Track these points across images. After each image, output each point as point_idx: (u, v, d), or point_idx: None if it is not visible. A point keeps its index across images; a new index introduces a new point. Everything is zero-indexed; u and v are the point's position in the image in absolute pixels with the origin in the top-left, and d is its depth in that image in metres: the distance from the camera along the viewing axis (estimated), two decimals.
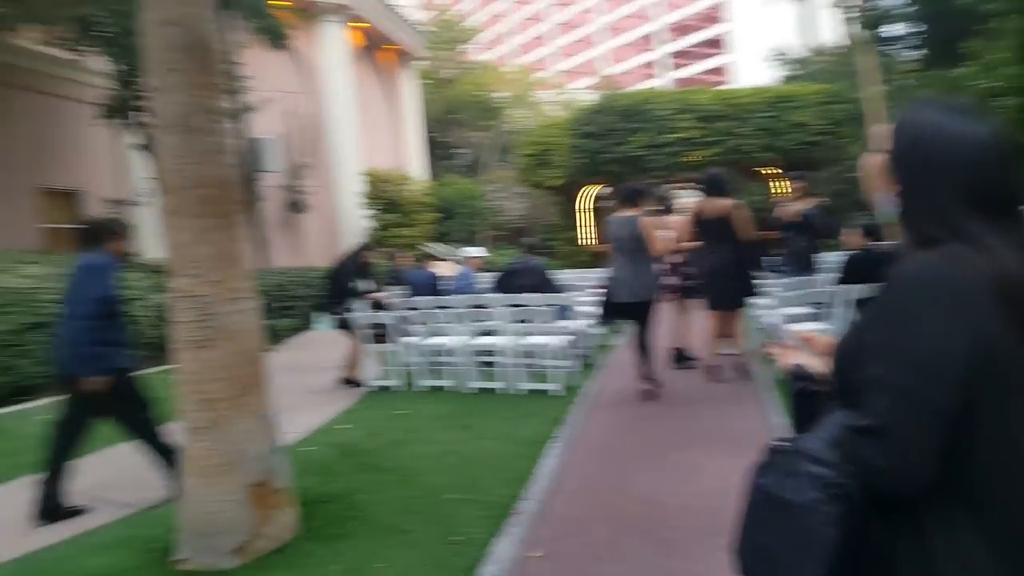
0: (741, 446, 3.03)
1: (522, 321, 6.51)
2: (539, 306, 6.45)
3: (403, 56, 22.79)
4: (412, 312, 6.89)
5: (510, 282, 7.48)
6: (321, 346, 8.95)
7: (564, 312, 7.27)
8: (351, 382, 7.02)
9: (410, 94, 23.67)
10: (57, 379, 4.01)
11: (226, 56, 10.95)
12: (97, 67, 11.70)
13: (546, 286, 7.35)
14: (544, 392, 6.24)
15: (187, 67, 3.17)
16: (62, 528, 3.82)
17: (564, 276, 8.74)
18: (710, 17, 59.67)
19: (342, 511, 3.75)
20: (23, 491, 4.50)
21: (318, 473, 4.40)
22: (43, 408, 6.71)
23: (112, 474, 4.66)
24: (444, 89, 28.90)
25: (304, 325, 10.86)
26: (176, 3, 3.15)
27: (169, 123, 3.19)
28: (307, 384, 7.23)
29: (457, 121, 28.69)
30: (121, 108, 10.81)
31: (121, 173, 13.83)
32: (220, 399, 3.23)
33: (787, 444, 1.16)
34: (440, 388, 6.66)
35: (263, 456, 3.36)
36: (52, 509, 3.93)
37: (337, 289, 7.12)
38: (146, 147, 10.28)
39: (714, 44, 59.50)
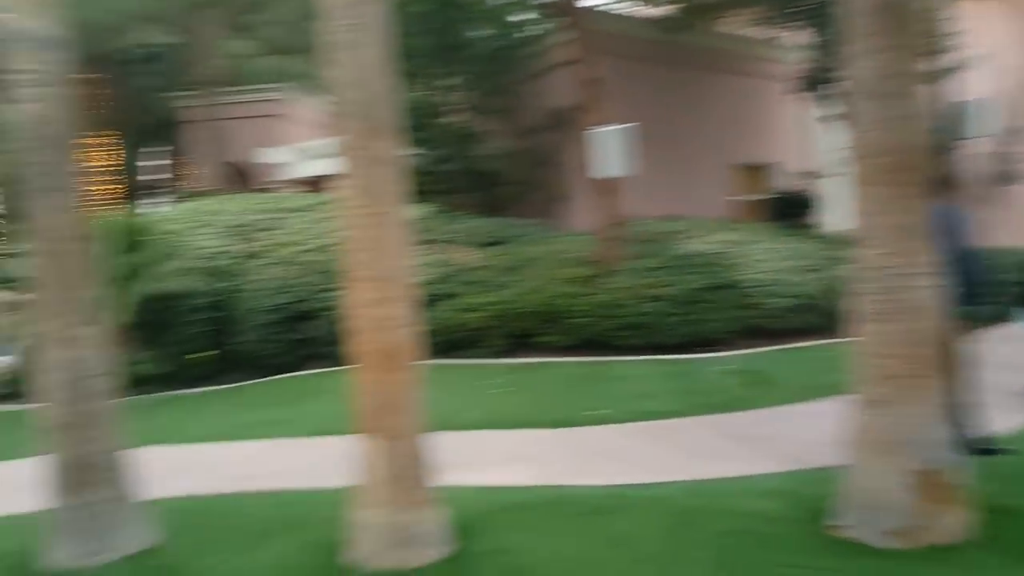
0: None
1: None
2: None
3: None
4: None
5: None
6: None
7: None
8: None
9: None
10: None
11: (931, 14, 10.51)
12: (788, 43, 12.83)
13: None
14: None
15: (882, 30, 3.31)
16: (731, 466, 4.60)
17: None
18: None
19: None
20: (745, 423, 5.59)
21: (1007, 482, 4.07)
22: (722, 359, 8.04)
23: (798, 428, 5.38)
24: None
25: (1004, 314, 9.71)
26: None
27: (862, 89, 3.41)
28: (1002, 383, 6.56)
29: None
30: (813, 80, 11.60)
31: (806, 146, 14.95)
32: (896, 376, 3.34)
33: None
34: None
35: (934, 444, 3.34)
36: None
37: None
38: (839, 117, 10.79)
39: None
